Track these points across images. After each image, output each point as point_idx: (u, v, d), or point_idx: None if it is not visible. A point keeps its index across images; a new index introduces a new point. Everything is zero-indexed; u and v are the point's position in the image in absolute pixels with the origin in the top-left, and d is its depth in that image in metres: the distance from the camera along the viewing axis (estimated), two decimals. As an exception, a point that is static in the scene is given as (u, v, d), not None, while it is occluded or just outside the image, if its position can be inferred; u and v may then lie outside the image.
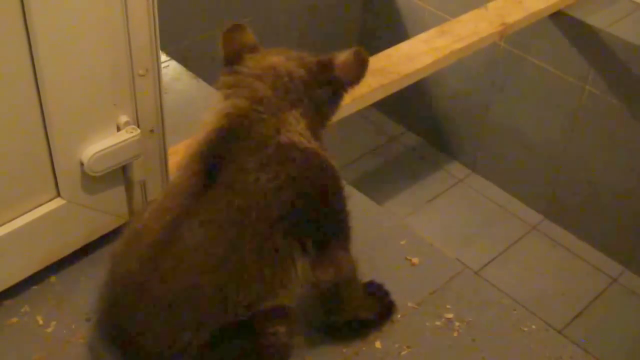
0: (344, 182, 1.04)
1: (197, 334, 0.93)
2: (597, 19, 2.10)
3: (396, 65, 1.68)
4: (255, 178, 0.94)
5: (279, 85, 1.00)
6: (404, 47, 1.76)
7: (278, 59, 1.04)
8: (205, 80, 1.70)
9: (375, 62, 1.69)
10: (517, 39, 2.27)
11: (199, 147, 0.98)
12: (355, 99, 1.55)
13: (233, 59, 1.07)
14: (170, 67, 1.72)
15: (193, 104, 1.62)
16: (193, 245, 0.92)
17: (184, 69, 1.71)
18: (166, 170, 1.28)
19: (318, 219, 0.99)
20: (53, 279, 1.20)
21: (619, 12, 2.14)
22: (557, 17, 2.15)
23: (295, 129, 0.98)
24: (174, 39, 2.15)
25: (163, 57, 1.74)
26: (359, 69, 1.04)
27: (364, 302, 1.13)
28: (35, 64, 1.00)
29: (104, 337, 1.00)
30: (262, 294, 0.95)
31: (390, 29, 2.68)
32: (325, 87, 1.03)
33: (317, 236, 0.99)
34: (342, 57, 1.03)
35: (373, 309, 1.15)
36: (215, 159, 0.95)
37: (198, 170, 0.96)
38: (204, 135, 0.99)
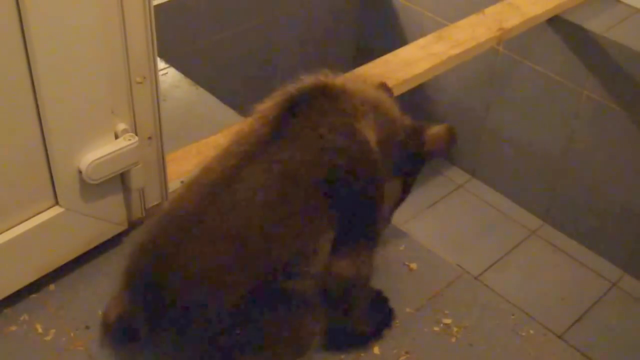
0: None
1: (241, 276, 0.91)
2: (594, 24, 2.10)
3: (394, 71, 1.68)
4: (320, 134, 0.96)
5: (381, 102, 1.06)
6: (401, 53, 1.76)
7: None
8: (204, 87, 1.70)
9: (373, 68, 1.70)
10: (515, 44, 2.27)
11: (283, 94, 1.01)
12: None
13: None
14: (169, 75, 1.72)
15: (192, 111, 1.62)
16: (251, 187, 0.93)
17: (183, 76, 1.72)
18: (164, 177, 1.28)
19: (354, 206, 1.00)
20: (52, 287, 1.20)
21: (616, 17, 2.14)
22: (555, 22, 2.15)
23: (369, 128, 1.02)
24: (173, 46, 2.16)
25: (162, 64, 1.74)
26: (446, 145, 1.14)
27: (366, 316, 1.13)
28: (33, 72, 1.00)
29: (132, 280, 0.97)
30: (300, 255, 0.95)
31: (388, 34, 2.69)
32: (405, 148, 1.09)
33: (349, 223, 0.99)
34: (435, 130, 1.13)
35: (373, 323, 1.15)
36: (291, 111, 0.98)
37: (272, 119, 0.98)
38: (289, 89, 1.02)
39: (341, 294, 1.04)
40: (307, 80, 1.03)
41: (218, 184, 0.95)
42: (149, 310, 0.95)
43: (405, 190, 1.18)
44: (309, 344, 1.01)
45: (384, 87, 1.19)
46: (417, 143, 1.11)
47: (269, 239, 0.93)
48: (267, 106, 1.02)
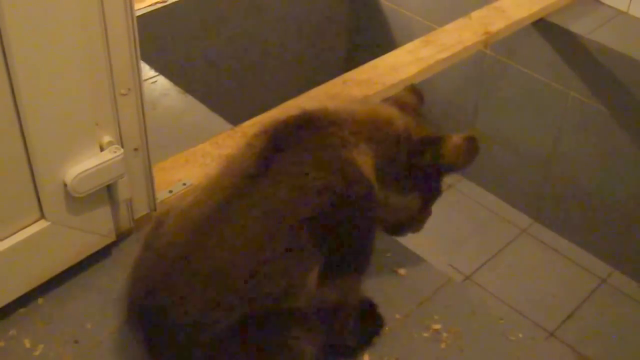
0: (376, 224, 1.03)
1: (227, 314, 0.90)
2: (579, 26, 2.08)
3: (381, 76, 1.65)
4: (305, 171, 0.92)
5: (376, 126, 1.00)
6: (388, 58, 1.73)
7: (394, 112, 1.05)
8: (194, 95, 1.67)
9: (361, 73, 1.67)
10: (502, 47, 2.24)
11: (270, 126, 0.97)
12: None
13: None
14: (158, 83, 1.69)
15: (181, 119, 1.59)
16: (238, 226, 0.91)
17: (172, 84, 1.68)
18: (152, 188, 1.25)
19: (342, 241, 0.96)
20: (40, 301, 1.16)
21: (600, 19, 2.12)
22: (540, 24, 2.12)
23: (363, 156, 0.97)
24: (163, 53, 2.13)
25: (151, 72, 1.71)
26: (467, 157, 1.06)
27: (354, 330, 1.09)
28: (14, 85, 0.96)
29: (129, 310, 0.98)
30: (287, 291, 0.93)
31: (377, 38, 2.65)
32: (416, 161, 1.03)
33: (337, 257, 0.96)
34: (454, 140, 1.04)
35: (363, 332, 1.12)
36: (277, 144, 0.94)
37: (259, 152, 0.95)
38: (278, 116, 0.98)
39: (328, 316, 1.01)
40: (299, 110, 0.99)
41: (204, 222, 0.93)
42: (147, 342, 0.96)
43: (426, 205, 1.13)
44: None
45: (413, 90, 1.15)
46: (434, 155, 1.04)
47: (255, 278, 0.90)
48: (257, 134, 0.98)
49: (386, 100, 1.14)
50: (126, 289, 0.99)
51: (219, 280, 0.90)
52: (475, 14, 1.97)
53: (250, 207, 0.92)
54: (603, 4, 2.18)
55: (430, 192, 1.12)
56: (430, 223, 1.22)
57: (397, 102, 1.12)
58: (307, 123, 0.97)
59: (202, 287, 0.91)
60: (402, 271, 1.25)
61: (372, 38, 2.69)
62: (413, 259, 1.28)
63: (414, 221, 1.17)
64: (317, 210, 0.92)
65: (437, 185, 1.12)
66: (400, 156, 1.03)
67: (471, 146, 1.05)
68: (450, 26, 1.90)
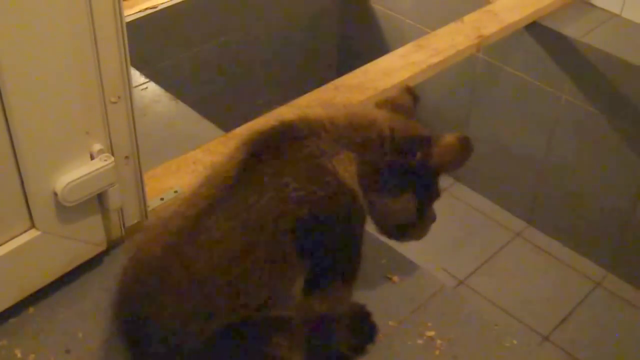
0: (364, 229, 1.02)
1: (207, 324, 0.91)
2: (572, 29, 2.09)
3: (373, 80, 1.66)
4: (284, 183, 0.92)
5: (356, 128, 0.99)
6: (380, 63, 1.74)
7: (382, 115, 1.04)
8: (185, 101, 1.67)
9: (353, 78, 1.67)
10: (494, 50, 2.25)
11: (249, 138, 0.97)
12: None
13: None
14: (149, 89, 1.69)
15: (172, 126, 1.58)
16: (216, 237, 0.91)
17: (163, 90, 1.68)
18: (143, 196, 1.24)
19: (326, 251, 0.96)
20: (31, 310, 1.16)
21: (593, 22, 2.13)
22: (533, 28, 2.13)
23: (345, 165, 0.96)
24: (153, 60, 2.12)
25: (142, 78, 1.71)
26: (460, 157, 1.03)
27: (346, 338, 1.09)
28: (2, 94, 0.96)
29: (114, 321, 0.99)
30: (270, 300, 0.93)
31: (369, 42, 2.66)
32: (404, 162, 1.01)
33: (322, 266, 0.96)
34: (446, 140, 1.02)
35: (356, 339, 1.12)
36: (257, 156, 0.94)
37: (238, 163, 0.95)
38: (260, 127, 0.98)
39: (319, 326, 1.01)
40: (277, 120, 0.99)
41: (184, 232, 0.93)
42: (131, 353, 0.98)
43: (423, 208, 1.11)
44: None
45: (407, 90, 1.14)
46: (424, 155, 1.02)
47: (235, 290, 0.91)
48: (237, 147, 0.98)
49: (381, 101, 1.12)
50: (111, 300, 1.00)
51: (198, 291, 0.91)
52: (468, 18, 1.97)
53: (230, 218, 0.92)
54: (596, 7, 2.19)
55: (425, 194, 1.10)
56: (424, 227, 1.21)
57: (391, 103, 1.11)
58: (285, 133, 0.96)
59: (181, 298, 0.91)
60: (395, 277, 1.25)
61: (363, 42, 2.70)
62: (406, 265, 1.28)
63: (417, 226, 1.15)
64: (298, 221, 0.92)
65: (433, 187, 1.10)
66: (386, 158, 1.01)
67: (464, 146, 1.04)
68: (442, 30, 1.91)
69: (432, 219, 1.16)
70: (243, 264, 0.91)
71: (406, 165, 1.03)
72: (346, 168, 0.96)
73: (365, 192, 1.00)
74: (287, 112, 1.01)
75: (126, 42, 1.08)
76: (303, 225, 0.92)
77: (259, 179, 0.93)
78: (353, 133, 0.99)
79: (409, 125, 1.05)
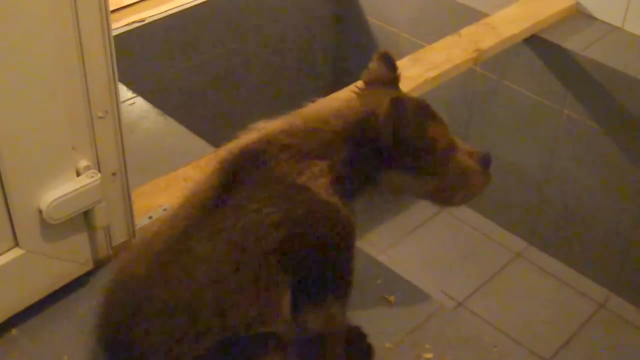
0: (353, 240, 1.01)
1: (196, 344, 0.91)
2: (572, 42, 2.10)
3: (369, 96, 1.66)
4: (257, 207, 0.93)
5: (313, 133, 0.98)
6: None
7: (333, 105, 1.02)
8: (174, 117, 1.68)
9: (348, 92, 1.68)
10: (493, 64, 2.26)
11: (225, 158, 0.98)
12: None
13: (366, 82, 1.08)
14: (136, 105, 1.70)
15: (161, 142, 1.59)
16: (200, 257, 0.92)
17: (151, 106, 1.69)
18: (131, 214, 1.25)
19: (312, 267, 0.96)
20: (14, 332, 1.16)
21: (593, 35, 2.14)
22: (532, 41, 2.15)
23: (317, 178, 0.96)
24: (141, 74, 2.13)
25: (129, 93, 1.72)
26: (394, 119, 0.95)
27: (343, 357, 1.09)
28: (-13, 110, 0.97)
29: (99, 343, 0.99)
30: (259, 319, 0.93)
31: (364, 57, 2.67)
32: (365, 146, 0.98)
33: (310, 282, 0.97)
34: (382, 109, 0.95)
35: None
36: (232, 178, 0.96)
37: (215, 184, 0.96)
38: (234, 147, 0.98)
39: (313, 345, 1.01)
40: (241, 141, 0.99)
41: (165, 254, 0.94)
42: None
43: (429, 170, 1.03)
44: None
45: (380, 58, 1.10)
46: (375, 133, 0.97)
47: (222, 309, 0.92)
48: (215, 167, 0.99)
49: (363, 77, 1.09)
50: (94, 323, 1.01)
51: (183, 312, 0.91)
52: (465, 31, 1.99)
53: (210, 238, 0.93)
54: (597, 19, 2.21)
55: (413, 163, 1.02)
56: (421, 247, 1.22)
57: (369, 79, 1.09)
58: (246, 161, 0.97)
59: (167, 319, 0.92)
60: (392, 298, 1.26)
61: (359, 56, 2.71)
62: (403, 285, 1.29)
63: (451, 183, 1.08)
64: (278, 244, 0.93)
65: (414, 152, 1.01)
66: (347, 152, 0.98)
67: (393, 106, 0.95)
68: (439, 44, 1.92)
69: (466, 168, 1.09)
70: (228, 283, 0.92)
71: (366, 151, 0.99)
72: (318, 181, 0.96)
73: (348, 199, 0.99)
74: (248, 135, 1.01)
75: (114, 55, 1.09)
76: (285, 246, 0.93)
77: (235, 203, 0.94)
78: (310, 140, 0.98)
79: (359, 109, 1.01)
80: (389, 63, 1.12)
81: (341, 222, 0.97)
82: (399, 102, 0.96)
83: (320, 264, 0.97)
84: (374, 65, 1.12)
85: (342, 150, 0.99)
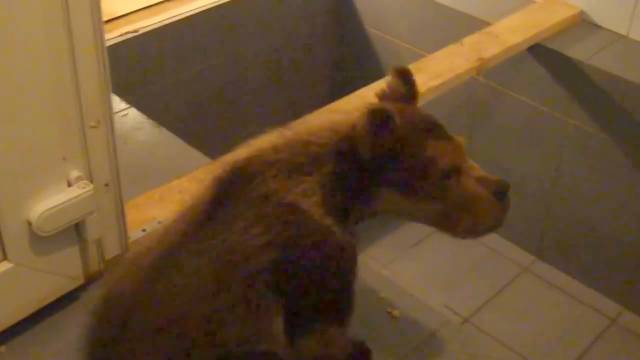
0: (351, 264, 0.97)
1: None
2: (577, 51, 2.10)
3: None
4: (244, 226, 0.92)
5: (301, 150, 0.96)
6: (376, 87, 1.73)
7: (332, 118, 1.00)
8: (168, 128, 1.67)
9: (348, 102, 1.68)
10: (496, 73, 2.26)
11: (218, 174, 0.97)
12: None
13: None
14: (130, 116, 1.69)
15: (155, 154, 1.58)
16: (189, 273, 0.92)
17: (145, 117, 1.68)
18: (124, 227, 1.24)
19: (304, 291, 0.95)
20: (2, 349, 1.14)
21: (598, 43, 2.14)
22: (536, 50, 2.15)
23: (308, 196, 0.94)
24: (134, 85, 2.13)
25: (123, 104, 1.71)
26: (373, 131, 0.91)
27: None
28: (-26, 118, 0.96)
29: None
30: (251, 338, 0.93)
31: (364, 67, 2.68)
32: (349, 160, 0.95)
33: (303, 306, 0.95)
34: (361, 120, 0.92)
35: None
36: (223, 194, 0.95)
37: (207, 200, 0.96)
38: (227, 163, 0.98)
39: None
40: (234, 157, 0.99)
41: (154, 269, 0.93)
42: None
43: (446, 204, 0.99)
44: None
45: (396, 73, 1.06)
46: (354, 148, 0.94)
47: (211, 327, 0.91)
48: (208, 182, 0.99)
49: (379, 93, 1.06)
50: (82, 340, 1.00)
51: (172, 328, 0.91)
52: (467, 40, 1.99)
53: (199, 255, 0.92)
54: (602, 27, 2.21)
55: (406, 178, 0.97)
56: (425, 261, 1.21)
57: (385, 93, 1.05)
58: (242, 172, 0.96)
59: (155, 336, 0.91)
60: (396, 312, 1.25)
61: (359, 66, 2.72)
62: (408, 300, 1.28)
63: (461, 211, 1.01)
64: (268, 264, 0.91)
65: (407, 169, 0.97)
66: (343, 167, 0.96)
67: (371, 116, 0.91)
68: (441, 53, 1.92)
69: (472, 195, 1.02)
70: (217, 300, 0.91)
71: (351, 165, 0.96)
72: (309, 200, 0.94)
73: (343, 219, 0.96)
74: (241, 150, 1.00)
75: (107, 65, 1.09)
76: (274, 266, 0.92)
77: (224, 221, 0.94)
78: (299, 154, 0.96)
79: (353, 122, 0.95)
80: (406, 78, 1.06)
81: (334, 247, 0.94)
82: (379, 112, 0.91)
83: (313, 289, 0.95)
84: (390, 80, 1.07)
85: (329, 164, 0.96)
